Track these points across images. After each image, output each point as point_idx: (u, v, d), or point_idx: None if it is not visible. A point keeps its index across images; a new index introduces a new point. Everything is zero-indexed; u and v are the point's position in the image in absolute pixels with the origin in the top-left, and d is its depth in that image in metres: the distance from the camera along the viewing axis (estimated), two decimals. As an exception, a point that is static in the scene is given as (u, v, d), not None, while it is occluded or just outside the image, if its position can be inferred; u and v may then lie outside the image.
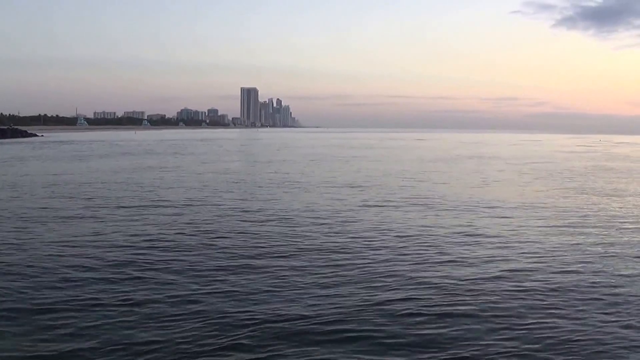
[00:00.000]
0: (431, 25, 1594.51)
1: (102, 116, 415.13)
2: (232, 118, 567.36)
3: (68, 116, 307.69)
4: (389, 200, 26.06)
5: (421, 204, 24.79)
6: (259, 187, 31.53)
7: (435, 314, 10.64)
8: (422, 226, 19.43)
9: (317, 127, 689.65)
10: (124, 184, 32.08)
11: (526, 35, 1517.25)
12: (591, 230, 19.39)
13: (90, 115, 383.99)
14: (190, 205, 23.96)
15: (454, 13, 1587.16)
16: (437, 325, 10.13)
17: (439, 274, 13.32)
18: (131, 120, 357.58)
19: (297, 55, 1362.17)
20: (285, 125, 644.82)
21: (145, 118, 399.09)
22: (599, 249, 16.40)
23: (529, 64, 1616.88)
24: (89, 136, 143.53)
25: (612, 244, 17.12)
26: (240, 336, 9.51)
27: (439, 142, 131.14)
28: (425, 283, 12.53)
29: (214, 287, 12.07)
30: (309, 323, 10.09)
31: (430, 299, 11.47)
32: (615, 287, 12.45)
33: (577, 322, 10.36)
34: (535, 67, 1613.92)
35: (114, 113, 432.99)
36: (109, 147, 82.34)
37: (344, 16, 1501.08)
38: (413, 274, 13.23)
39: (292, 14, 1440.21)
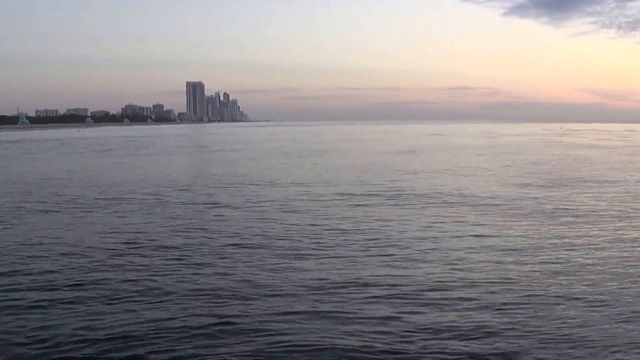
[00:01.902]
0: (383, 15, 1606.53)
1: (44, 114, 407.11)
2: (179, 113, 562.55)
3: (9, 115, 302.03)
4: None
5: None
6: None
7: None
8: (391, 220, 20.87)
9: (266, 120, 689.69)
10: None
11: (478, 23, 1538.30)
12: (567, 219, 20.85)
13: (32, 114, 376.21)
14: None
15: (404, 3, 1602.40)
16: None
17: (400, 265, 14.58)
18: (75, 118, 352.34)
19: (244, 49, 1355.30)
20: (233, 120, 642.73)
21: (89, 115, 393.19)
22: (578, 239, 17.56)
23: (482, 53, 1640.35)
24: (31, 135, 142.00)
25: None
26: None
27: (392, 135, 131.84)
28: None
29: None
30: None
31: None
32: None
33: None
34: (488, 56, 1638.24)
35: (56, 111, 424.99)
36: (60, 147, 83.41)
37: (291, 8, 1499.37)
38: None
39: (238, 6, 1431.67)
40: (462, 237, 18.18)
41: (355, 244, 17.12)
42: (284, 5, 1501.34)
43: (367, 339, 9.91)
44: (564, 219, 21.23)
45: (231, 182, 33.81)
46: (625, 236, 18.33)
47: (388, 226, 19.89)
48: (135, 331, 10.21)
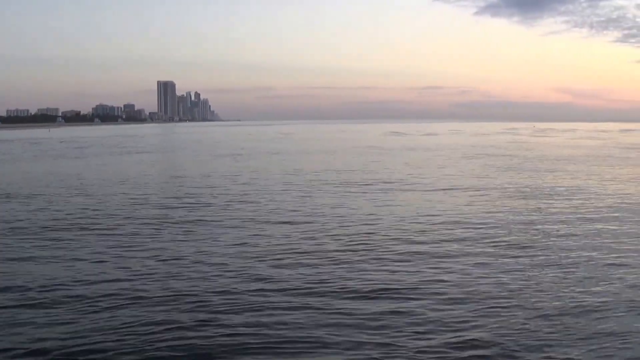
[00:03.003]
0: (354, 15, 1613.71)
1: (15, 114, 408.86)
2: (150, 113, 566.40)
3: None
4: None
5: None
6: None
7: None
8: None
9: (237, 120, 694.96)
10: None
11: (449, 23, 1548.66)
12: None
13: (3, 113, 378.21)
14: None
15: (377, 3, 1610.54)
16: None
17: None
18: (45, 118, 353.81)
19: (216, 48, 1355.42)
20: (204, 119, 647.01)
21: (60, 115, 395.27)
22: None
23: (453, 52, 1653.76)
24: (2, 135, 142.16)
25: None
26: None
27: (361, 134, 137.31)
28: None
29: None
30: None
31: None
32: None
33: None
34: (460, 55, 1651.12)
35: (27, 110, 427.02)
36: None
37: (262, 7, 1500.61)
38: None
39: (210, 5, 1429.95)
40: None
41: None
42: (256, 4, 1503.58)
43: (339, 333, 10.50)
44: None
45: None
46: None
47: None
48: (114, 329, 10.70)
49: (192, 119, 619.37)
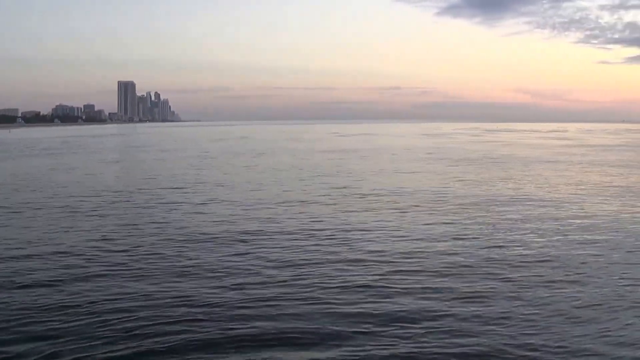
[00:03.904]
0: (315, 15, 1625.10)
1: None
2: (109, 113, 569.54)
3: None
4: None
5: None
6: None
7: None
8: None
9: (197, 120, 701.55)
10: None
11: (411, 23, 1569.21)
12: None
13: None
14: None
15: (338, 2, 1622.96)
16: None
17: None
18: (5, 119, 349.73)
19: (176, 48, 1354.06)
20: (164, 120, 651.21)
21: (20, 116, 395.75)
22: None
23: (414, 53, 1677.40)
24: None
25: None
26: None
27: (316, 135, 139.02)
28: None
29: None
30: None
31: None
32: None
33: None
34: (420, 55, 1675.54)
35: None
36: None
37: (222, 7, 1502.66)
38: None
39: (170, 5, 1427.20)
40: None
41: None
42: (216, 5, 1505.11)
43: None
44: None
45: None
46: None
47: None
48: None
49: (152, 120, 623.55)
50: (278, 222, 21.94)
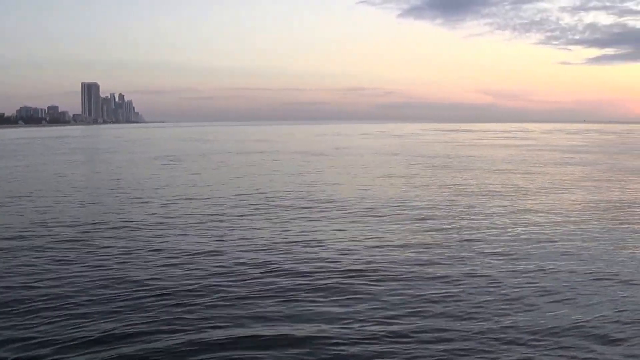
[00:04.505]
0: (280, 17, 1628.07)
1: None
2: (74, 115, 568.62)
3: None
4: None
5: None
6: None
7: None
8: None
9: (162, 122, 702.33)
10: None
11: (373, 25, 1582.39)
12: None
13: None
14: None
15: (301, 4, 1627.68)
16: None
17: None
18: None
19: (140, 49, 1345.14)
20: (128, 121, 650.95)
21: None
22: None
23: (377, 54, 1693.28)
24: None
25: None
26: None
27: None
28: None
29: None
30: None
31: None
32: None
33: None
34: (383, 57, 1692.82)
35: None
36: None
37: (188, 7, 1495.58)
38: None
39: (133, 5, 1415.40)
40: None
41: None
42: (181, 5, 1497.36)
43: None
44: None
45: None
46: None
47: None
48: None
49: (116, 121, 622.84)
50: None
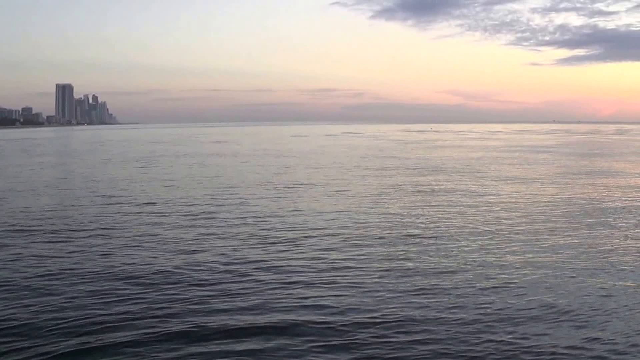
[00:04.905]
0: (251, 18, 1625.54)
1: None
2: (47, 116, 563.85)
3: None
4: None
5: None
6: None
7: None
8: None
9: (135, 123, 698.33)
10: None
11: (345, 26, 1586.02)
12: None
13: None
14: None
15: (273, 5, 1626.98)
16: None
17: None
18: None
19: (113, 50, 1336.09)
20: (102, 122, 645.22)
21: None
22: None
23: (348, 55, 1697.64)
24: None
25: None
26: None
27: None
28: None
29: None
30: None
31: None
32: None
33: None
34: (354, 58, 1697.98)
35: None
36: None
37: (159, 9, 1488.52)
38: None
39: (106, 6, 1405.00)
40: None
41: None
42: (153, 7, 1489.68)
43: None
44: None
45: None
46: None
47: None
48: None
49: (90, 122, 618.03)
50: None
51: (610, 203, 28.24)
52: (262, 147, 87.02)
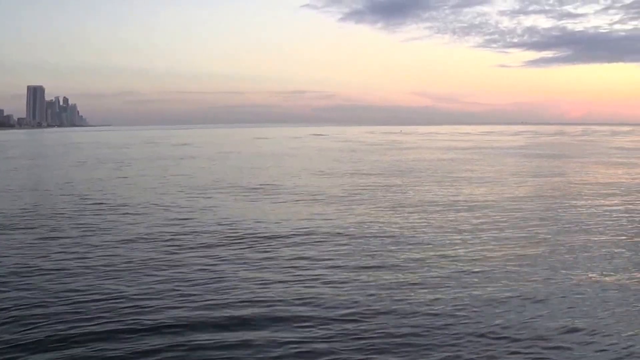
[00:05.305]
0: (222, 21, 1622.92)
1: None
2: (18, 119, 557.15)
3: None
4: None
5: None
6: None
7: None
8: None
9: (107, 125, 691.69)
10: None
11: (315, 29, 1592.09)
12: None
13: None
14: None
15: (245, 8, 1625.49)
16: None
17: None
18: None
19: (85, 52, 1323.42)
20: (73, 125, 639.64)
21: None
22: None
23: (318, 58, 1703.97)
24: None
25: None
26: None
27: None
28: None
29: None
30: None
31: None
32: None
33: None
34: (324, 60, 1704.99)
35: None
36: None
37: (132, 10, 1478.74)
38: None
39: (78, 8, 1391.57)
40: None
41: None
42: (125, 8, 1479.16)
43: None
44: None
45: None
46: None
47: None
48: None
49: (61, 125, 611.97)
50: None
51: (554, 200, 29.60)
52: (224, 150, 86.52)
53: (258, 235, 20.48)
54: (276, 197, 31.33)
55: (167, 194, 32.84)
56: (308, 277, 14.95)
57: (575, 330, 11.34)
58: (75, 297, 13.27)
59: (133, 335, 11.07)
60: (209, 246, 18.85)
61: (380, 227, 21.95)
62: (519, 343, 10.74)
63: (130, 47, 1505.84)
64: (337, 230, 21.15)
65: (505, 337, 10.99)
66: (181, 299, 13.20)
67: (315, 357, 10.24)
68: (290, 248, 18.42)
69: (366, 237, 20.04)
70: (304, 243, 19.12)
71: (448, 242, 19.28)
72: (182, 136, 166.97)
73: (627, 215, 24.88)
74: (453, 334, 11.16)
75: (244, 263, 16.55)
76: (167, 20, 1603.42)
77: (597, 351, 10.46)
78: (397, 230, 21.33)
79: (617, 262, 16.63)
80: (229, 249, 18.33)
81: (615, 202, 29.13)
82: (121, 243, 19.34)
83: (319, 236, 20.13)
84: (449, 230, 21.37)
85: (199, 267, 16.04)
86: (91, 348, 10.57)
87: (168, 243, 19.30)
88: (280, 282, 14.55)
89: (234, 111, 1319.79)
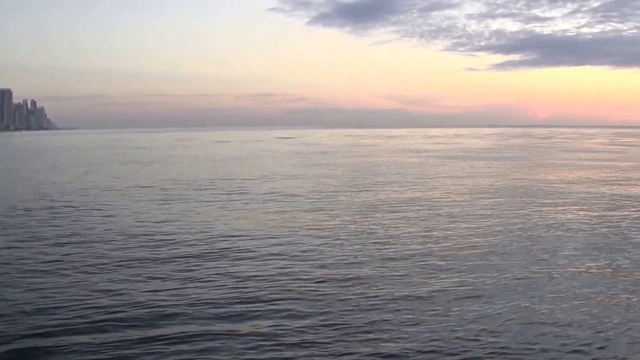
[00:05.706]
0: (189, 23, 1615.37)
1: None
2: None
3: None
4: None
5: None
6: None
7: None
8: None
9: (75, 128, 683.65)
10: None
11: (283, 32, 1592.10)
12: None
13: None
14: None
15: (213, 11, 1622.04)
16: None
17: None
18: None
19: (52, 54, 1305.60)
20: (40, 128, 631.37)
21: None
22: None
23: (286, 61, 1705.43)
24: None
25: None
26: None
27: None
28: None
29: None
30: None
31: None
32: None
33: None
34: (292, 63, 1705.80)
35: None
36: None
37: (100, 12, 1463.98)
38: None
39: (46, 10, 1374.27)
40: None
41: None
42: (94, 10, 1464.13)
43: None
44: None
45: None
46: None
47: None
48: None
49: (28, 128, 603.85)
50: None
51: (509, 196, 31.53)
52: (174, 154, 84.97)
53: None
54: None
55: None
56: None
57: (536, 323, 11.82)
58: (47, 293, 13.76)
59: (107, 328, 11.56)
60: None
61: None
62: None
63: (100, 51, 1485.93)
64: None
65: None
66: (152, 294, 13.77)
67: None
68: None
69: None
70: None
71: (401, 240, 19.81)
72: (142, 140, 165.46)
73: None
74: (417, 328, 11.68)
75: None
76: (131, 23, 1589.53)
77: (560, 342, 10.78)
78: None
79: (574, 254, 17.62)
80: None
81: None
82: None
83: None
84: (405, 229, 21.91)
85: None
86: (57, 341, 10.88)
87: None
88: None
89: (202, 114, 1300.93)
